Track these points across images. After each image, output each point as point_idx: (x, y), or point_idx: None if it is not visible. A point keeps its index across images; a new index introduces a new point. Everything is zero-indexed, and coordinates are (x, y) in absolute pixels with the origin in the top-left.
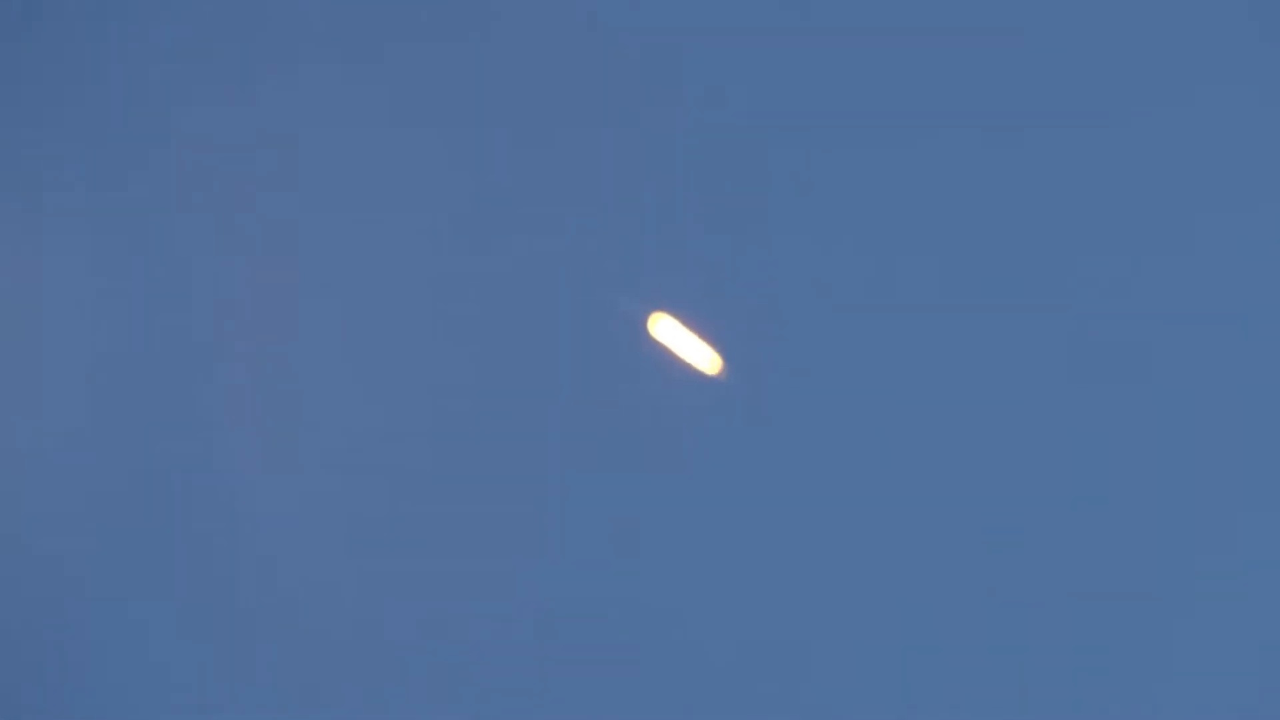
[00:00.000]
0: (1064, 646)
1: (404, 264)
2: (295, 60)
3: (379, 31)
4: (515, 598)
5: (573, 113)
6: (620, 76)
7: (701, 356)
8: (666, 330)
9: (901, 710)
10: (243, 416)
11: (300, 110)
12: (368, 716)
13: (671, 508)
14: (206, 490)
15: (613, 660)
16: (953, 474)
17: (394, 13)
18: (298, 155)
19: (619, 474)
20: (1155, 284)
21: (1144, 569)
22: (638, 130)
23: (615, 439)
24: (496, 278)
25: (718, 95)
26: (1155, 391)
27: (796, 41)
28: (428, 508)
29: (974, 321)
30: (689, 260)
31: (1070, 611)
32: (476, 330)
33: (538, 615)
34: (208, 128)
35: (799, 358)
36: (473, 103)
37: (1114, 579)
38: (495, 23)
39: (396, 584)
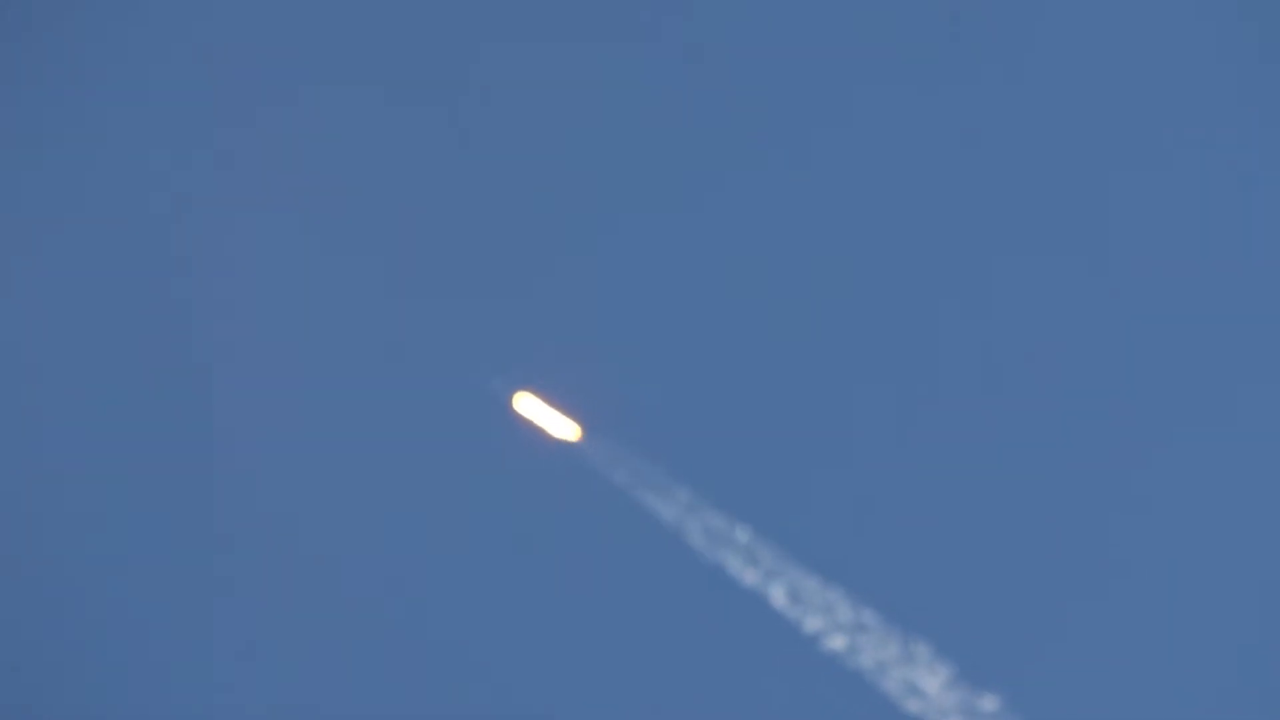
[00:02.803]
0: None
1: (286, 341)
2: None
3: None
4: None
5: (436, 201)
6: (487, 153)
7: (562, 428)
8: (528, 406)
9: None
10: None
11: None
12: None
13: (534, 565)
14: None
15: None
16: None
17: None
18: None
19: (485, 537)
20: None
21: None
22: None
23: (483, 504)
24: (374, 362)
25: (572, 174)
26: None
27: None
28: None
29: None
30: (547, 339)
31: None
32: (354, 408)
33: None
34: (188, 137)
35: (654, 425)
36: (347, 185)
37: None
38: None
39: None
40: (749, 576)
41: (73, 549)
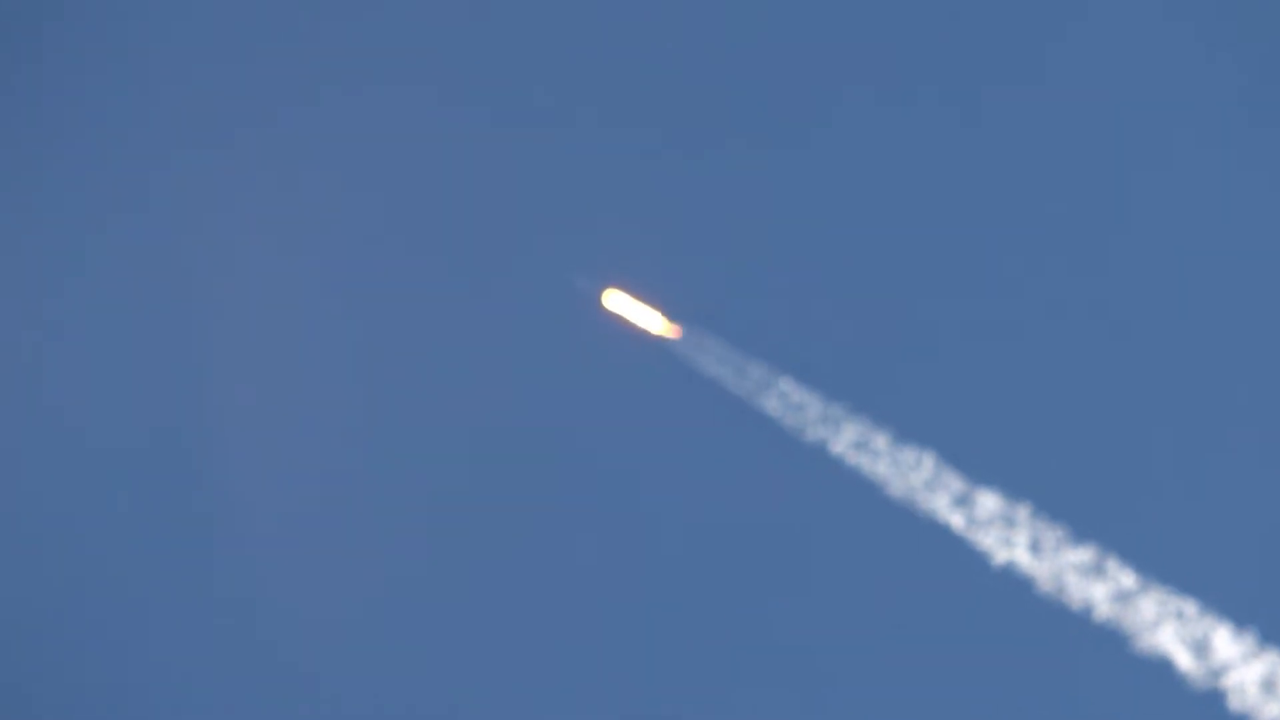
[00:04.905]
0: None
1: (374, 257)
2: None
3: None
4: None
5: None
6: (569, 76)
7: (652, 323)
8: (618, 302)
9: None
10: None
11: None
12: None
13: (636, 465)
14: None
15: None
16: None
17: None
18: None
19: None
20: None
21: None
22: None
23: (577, 400)
24: (464, 265)
25: (655, 92)
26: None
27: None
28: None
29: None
30: (635, 242)
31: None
32: (447, 312)
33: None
34: (196, 134)
35: (746, 323)
36: (435, 106)
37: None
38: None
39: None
40: (851, 458)
41: (88, 545)
